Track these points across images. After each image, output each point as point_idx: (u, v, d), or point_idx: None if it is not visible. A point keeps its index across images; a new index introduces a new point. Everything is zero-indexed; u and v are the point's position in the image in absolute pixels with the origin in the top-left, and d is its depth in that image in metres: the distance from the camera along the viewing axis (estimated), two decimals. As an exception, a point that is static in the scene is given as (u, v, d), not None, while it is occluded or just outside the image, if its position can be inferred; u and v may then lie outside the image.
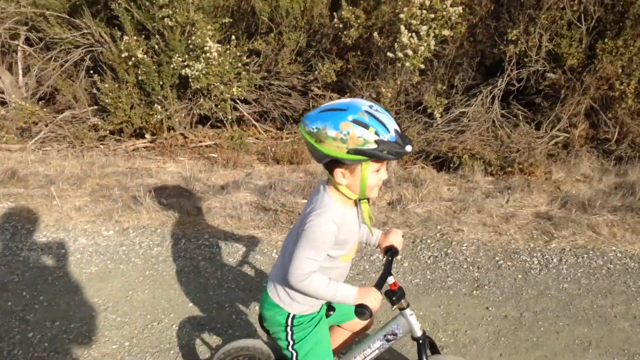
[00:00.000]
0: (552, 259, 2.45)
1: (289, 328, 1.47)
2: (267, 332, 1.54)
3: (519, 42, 3.87)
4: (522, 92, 4.30)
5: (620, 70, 3.80)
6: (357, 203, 1.37)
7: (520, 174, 3.45)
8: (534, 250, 2.52)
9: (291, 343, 1.48)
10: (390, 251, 1.45)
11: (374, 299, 1.33)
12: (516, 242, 2.61)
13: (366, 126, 1.22)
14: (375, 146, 1.22)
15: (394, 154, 1.24)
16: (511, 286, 2.29)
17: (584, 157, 3.72)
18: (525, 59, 4.00)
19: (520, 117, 4.19)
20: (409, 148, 1.25)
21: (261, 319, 1.53)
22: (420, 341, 1.46)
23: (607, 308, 2.14)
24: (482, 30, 4.28)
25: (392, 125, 1.25)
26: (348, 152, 1.23)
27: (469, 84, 4.39)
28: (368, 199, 1.35)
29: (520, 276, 2.37)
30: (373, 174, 1.29)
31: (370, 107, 1.26)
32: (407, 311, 1.44)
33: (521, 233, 2.67)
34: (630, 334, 2.00)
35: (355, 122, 1.22)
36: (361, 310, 1.30)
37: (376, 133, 1.22)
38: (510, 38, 3.85)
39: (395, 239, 1.48)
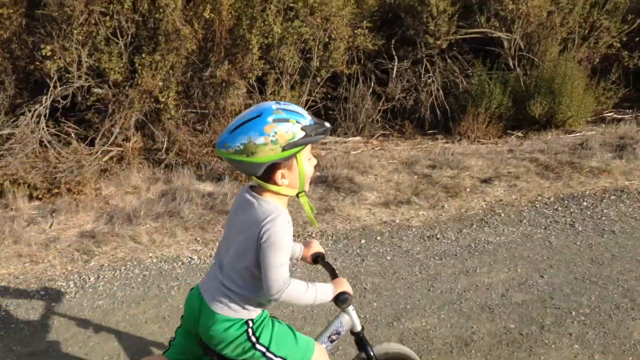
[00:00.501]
0: (89, 278, 2.69)
1: (252, 336, 1.47)
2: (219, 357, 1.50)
3: (56, 57, 3.97)
4: (73, 109, 4.45)
5: (161, 83, 4.44)
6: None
7: (69, 194, 3.57)
8: (72, 273, 2.69)
9: (260, 348, 1.47)
10: (320, 256, 1.67)
11: (348, 285, 1.52)
12: (53, 268, 2.71)
13: (287, 120, 1.34)
14: (303, 133, 1.36)
15: (322, 133, 1.40)
16: (43, 317, 2.37)
17: (134, 169, 4.20)
18: (68, 75, 4.14)
19: (73, 135, 4.32)
20: (327, 124, 1.42)
21: (205, 346, 1.51)
22: (361, 335, 1.63)
23: (139, 315, 2.52)
24: (19, 46, 4.17)
25: (303, 110, 1.40)
26: (283, 150, 1.34)
27: (15, 103, 4.20)
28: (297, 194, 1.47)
29: (57, 304, 2.48)
30: (307, 163, 1.43)
31: (277, 103, 1.40)
32: (350, 307, 1.59)
33: (60, 257, 2.80)
34: (159, 336, 2.41)
35: (277, 120, 1.34)
36: (344, 297, 1.48)
37: (297, 122, 1.35)
38: (45, 54, 3.89)
39: (319, 246, 1.71)
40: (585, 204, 3.53)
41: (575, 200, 3.59)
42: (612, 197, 3.62)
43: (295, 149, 1.38)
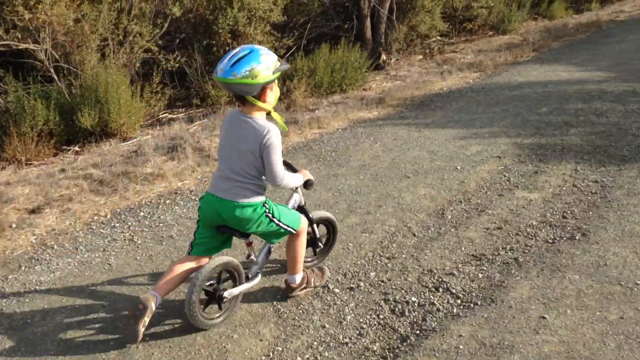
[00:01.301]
0: None
1: (267, 212, 2.62)
2: (248, 236, 2.67)
3: None
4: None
5: None
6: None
7: None
8: None
9: (275, 220, 2.65)
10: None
11: (310, 174, 2.83)
12: None
13: (270, 53, 2.47)
14: (279, 63, 2.49)
15: (285, 65, 2.55)
16: None
17: None
18: None
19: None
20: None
21: (239, 231, 2.63)
22: (305, 207, 2.97)
23: None
24: None
25: None
26: (274, 73, 2.45)
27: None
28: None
29: None
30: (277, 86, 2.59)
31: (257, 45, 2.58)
32: (299, 189, 2.92)
33: None
34: None
35: (265, 53, 2.44)
36: (310, 182, 2.81)
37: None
38: None
39: None
40: (142, 214, 4.00)
41: (133, 212, 4.02)
42: (168, 202, 4.21)
43: (278, 73, 2.47)
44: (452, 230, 3.69)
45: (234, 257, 2.73)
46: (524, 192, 4.20)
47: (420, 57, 10.04)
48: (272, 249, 2.93)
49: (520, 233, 3.61)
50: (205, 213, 2.64)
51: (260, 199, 2.60)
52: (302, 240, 2.83)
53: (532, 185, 4.32)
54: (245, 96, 2.47)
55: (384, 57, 9.33)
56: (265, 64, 2.41)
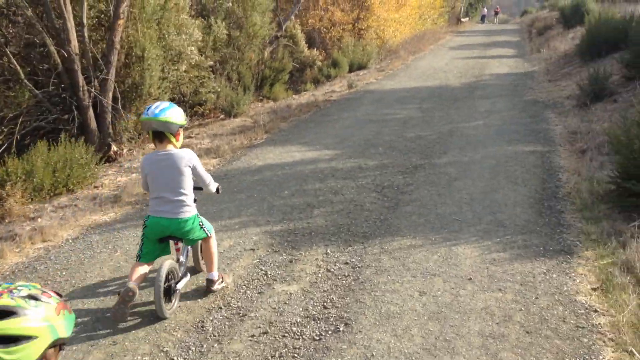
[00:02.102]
0: None
1: (201, 223, 3.80)
2: (181, 241, 3.86)
3: None
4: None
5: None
6: None
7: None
8: None
9: (204, 226, 3.83)
10: None
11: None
12: None
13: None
14: None
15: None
16: None
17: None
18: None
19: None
20: None
21: (173, 239, 3.82)
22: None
23: None
24: None
25: None
26: (184, 120, 3.65)
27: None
28: None
29: None
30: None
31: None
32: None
33: None
34: None
35: (177, 107, 3.61)
36: (219, 188, 4.04)
37: None
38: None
39: None
40: None
41: None
42: None
43: (187, 120, 3.81)
44: (216, 345, 3.41)
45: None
46: (283, 286, 4.17)
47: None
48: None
49: (287, 334, 3.52)
50: (154, 231, 3.69)
51: (194, 211, 3.73)
52: (215, 242, 3.99)
53: (289, 276, 4.32)
54: (165, 132, 3.51)
55: (114, 148, 8.79)
56: (180, 112, 3.59)
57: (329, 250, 4.78)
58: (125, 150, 9.00)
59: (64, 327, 1.48)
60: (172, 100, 11.17)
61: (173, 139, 3.59)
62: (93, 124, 8.73)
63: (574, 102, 10.41)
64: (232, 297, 4.01)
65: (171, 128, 3.52)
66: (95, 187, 7.08)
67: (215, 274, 3.97)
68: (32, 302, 1.42)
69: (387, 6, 21.89)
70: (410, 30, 25.04)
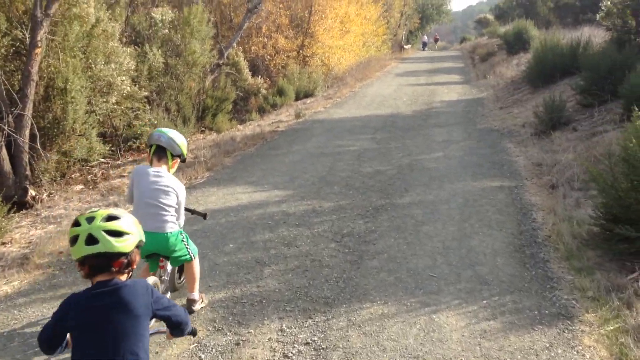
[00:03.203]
0: None
1: (184, 240, 3.75)
2: (167, 258, 3.76)
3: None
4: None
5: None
6: None
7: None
8: None
9: (186, 244, 3.76)
10: None
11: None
12: None
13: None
14: None
15: None
16: None
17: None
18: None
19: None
20: None
21: (165, 256, 3.72)
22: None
23: None
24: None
25: None
26: (186, 152, 3.79)
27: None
28: None
29: None
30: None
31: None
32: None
33: None
34: None
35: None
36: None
37: None
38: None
39: None
40: None
41: None
42: None
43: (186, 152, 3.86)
44: None
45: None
46: (229, 383, 3.23)
47: (82, 186, 8.59)
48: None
49: None
50: (148, 249, 3.60)
51: (176, 227, 3.72)
52: (198, 263, 3.96)
53: (236, 367, 3.39)
54: (167, 150, 3.67)
55: (32, 193, 7.61)
56: (185, 144, 3.81)
57: (284, 326, 3.87)
58: (44, 195, 7.82)
59: (142, 234, 2.15)
60: (103, 135, 10.06)
61: (170, 163, 3.70)
62: (7, 166, 7.54)
63: (530, 130, 9.99)
64: (162, 405, 3.04)
65: (175, 149, 3.66)
66: (2, 243, 5.92)
67: (196, 294, 3.97)
68: (124, 213, 2.10)
69: (331, 33, 21.44)
70: (355, 57, 24.70)
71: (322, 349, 3.57)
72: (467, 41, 46.98)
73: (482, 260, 4.83)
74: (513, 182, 7.14)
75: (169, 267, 4.00)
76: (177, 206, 3.70)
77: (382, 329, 3.78)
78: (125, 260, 2.03)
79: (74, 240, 1.99)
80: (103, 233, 1.97)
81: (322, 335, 3.73)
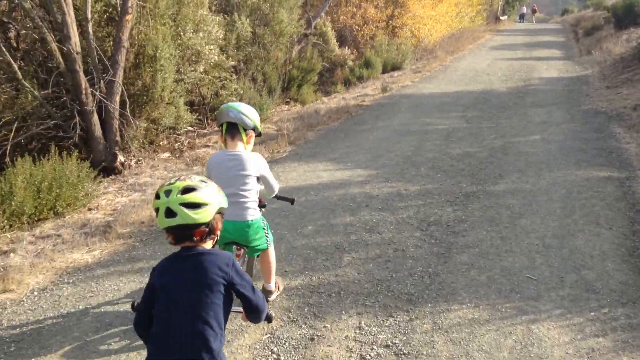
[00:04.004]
0: None
1: (264, 225, 3.45)
2: (245, 247, 3.43)
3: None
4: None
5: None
6: None
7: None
8: None
9: (266, 232, 3.48)
10: None
11: None
12: None
13: None
14: None
15: None
16: None
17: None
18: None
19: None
20: None
21: (246, 244, 3.38)
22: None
23: None
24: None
25: None
26: (260, 125, 3.43)
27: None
28: None
29: None
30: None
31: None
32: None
33: None
34: None
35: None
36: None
37: None
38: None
39: None
40: None
41: None
42: None
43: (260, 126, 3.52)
44: None
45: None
46: (301, 384, 2.98)
47: (168, 154, 8.65)
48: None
49: None
50: (228, 234, 3.26)
51: (259, 214, 3.41)
52: (273, 252, 3.68)
53: (310, 367, 3.13)
54: (239, 126, 3.34)
55: (121, 159, 7.71)
56: (257, 116, 3.43)
57: (363, 323, 3.56)
58: (132, 162, 7.92)
59: (224, 200, 2.14)
60: (190, 104, 10.08)
61: (244, 138, 3.39)
62: (98, 131, 7.67)
63: (644, 114, 8.95)
64: (230, 402, 2.84)
65: (246, 123, 3.36)
66: (89, 209, 5.99)
67: (273, 285, 3.78)
68: (204, 183, 2.07)
69: (423, 3, 20.46)
70: (447, 29, 23.55)
71: (404, 354, 3.23)
72: (569, 13, 43.77)
73: (589, 264, 4.26)
74: (623, 173, 6.37)
75: (246, 257, 3.72)
76: (257, 187, 3.40)
77: (473, 337, 3.38)
78: (207, 229, 2.04)
79: (156, 211, 2.03)
80: (180, 206, 1.98)
81: (404, 338, 3.39)
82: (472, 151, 7.52)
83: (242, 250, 3.55)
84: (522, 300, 3.79)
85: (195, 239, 2.04)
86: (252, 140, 3.46)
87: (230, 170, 3.27)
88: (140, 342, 3.19)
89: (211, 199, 2.04)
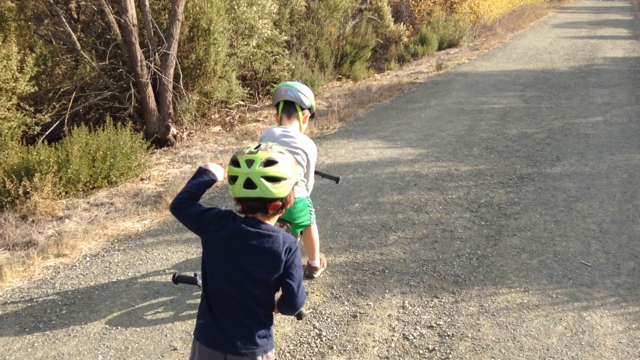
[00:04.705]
0: None
1: (309, 204, 3.45)
2: (288, 223, 3.37)
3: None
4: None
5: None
6: None
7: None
8: None
9: (310, 210, 3.47)
10: None
11: None
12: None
13: None
14: None
15: None
16: None
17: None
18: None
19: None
20: None
21: (290, 221, 3.35)
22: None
23: None
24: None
25: None
26: (314, 105, 3.40)
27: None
28: None
29: None
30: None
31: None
32: None
33: None
34: None
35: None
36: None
37: None
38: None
39: None
40: None
41: None
42: None
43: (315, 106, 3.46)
44: None
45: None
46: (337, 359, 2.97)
47: (219, 128, 8.76)
48: None
49: None
50: None
51: (305, 193, 3.45)
52: (316, 228, 3.69)
53: (351, 343, 3.12)
54: (296, 105, 3.32)
55: (174, 131, 7.86)
56: (312, 95, 3.38)
57: (406, 302, 3.51)
58: (185, 134, 8.06)
59: (298, 174, 2.05)
60: (242, 78, 10.13)
61: (301, 117, 3.36)
62: (152, 103, 7.82)
63: None
64: (270, 373, 2.86)
65: (303, 102, 3.32)
66: (141, 179, 6.14)
67: (317, 262, 3.79)
68: (282, 155, 1.97)
69: (483, -22, 19.74)
70: (508, 5, 22.67)
71: (448, 336, 3.16)
72: (641, -11, 41.22)
73: (649, 253, 4.05)
74: (693, 159, 5.99)
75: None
76: (305, 169, 3.34)
77: (520, 322, 3.28)
78: (281, 203, 1.98)
79: (232, 179, 1.94)
80: (262, 179, 1.90)
81: (449, 319, 3.32)
82: (529, 132, 7.25)
83: (285, 227, 3.52)
84: (575, 287, 3.64)
85: (270, 211, 1.97)
86: (307, 120, 3.43)
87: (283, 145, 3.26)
88: (187, 312, 3.27)
89: (290, 173, 1.96)
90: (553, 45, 15.63)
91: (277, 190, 1.92)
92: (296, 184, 2.04)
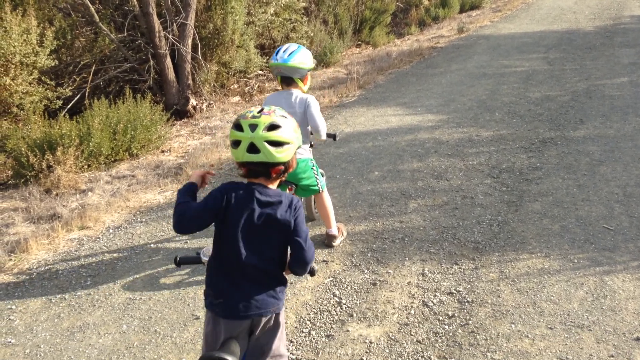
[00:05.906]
0: None
1: (314, 167, 3.56)
2: (295, 185, 3.48)
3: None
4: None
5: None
6: None
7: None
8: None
9: (315, 173, 3.56)
10: None
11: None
12: None
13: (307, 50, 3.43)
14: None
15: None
16: None
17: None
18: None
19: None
20: None
21: (294, 182, 3.46)
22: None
23: None
24: None
25: None
26: (313, 64, 3.46)
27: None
28: None
29: None
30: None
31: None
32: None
33: None
34: None
35: (307, 50, 3.42)
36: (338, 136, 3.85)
37: None
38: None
39: None
40: None
41: None
42: None
43: (314, 63, 3.52)
44: None
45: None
46: (362, 327, 3.00)
47: (238, 98, 8.73)
48: None
49: None
50: None
51: (309, 155, 3.58)
52: (328, 196, 3.73)
53: (370, 310, 3.14)
54: (294, 77, 3.42)
55: (193, 102, 7.86)
56: (309, 56, 3.42)
57: (426, 270, 3.51)
58: (204, 105, 8.06)
59: (301, 138, 2.07)
60: (261, 47, 10.04)
61: (300, 84, 3.50)
62: (171, 75, 7.82)
63: None
64: (292, 341, 2.90)
65: (300, 73, 3.43)
66: (162, 151, 6.19)
67: (334, 229, 3.79)
68: (285, 119, 1.97)
69: (506, -64, 19.02)
70: (531, -36, 21.89)
71: (467, 302, 3.16)
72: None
73: (675, 217, 3.96)
74: None
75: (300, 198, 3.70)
76: (307, 128, 3.48)
77: (541, 288, 3.25)
78: (283, 167, 2.01)
79: (235, 143, 1.94)
80: (265, 144, 1.91)
81: (469, 286, 3.31)
82: (553, 95, 7.07)
83: (294, 189, 3.57)
84: (597, 251, 3.59)
85: (273, 175, 2.00)
86: (309, 79, 3.59)
87: (281, 106, 3.34)
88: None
89: (293, 137, 1.98)
90: (578, 4, 15.11)
91: (280, 155, 1.94)
92: (299, 147, 2.07)
